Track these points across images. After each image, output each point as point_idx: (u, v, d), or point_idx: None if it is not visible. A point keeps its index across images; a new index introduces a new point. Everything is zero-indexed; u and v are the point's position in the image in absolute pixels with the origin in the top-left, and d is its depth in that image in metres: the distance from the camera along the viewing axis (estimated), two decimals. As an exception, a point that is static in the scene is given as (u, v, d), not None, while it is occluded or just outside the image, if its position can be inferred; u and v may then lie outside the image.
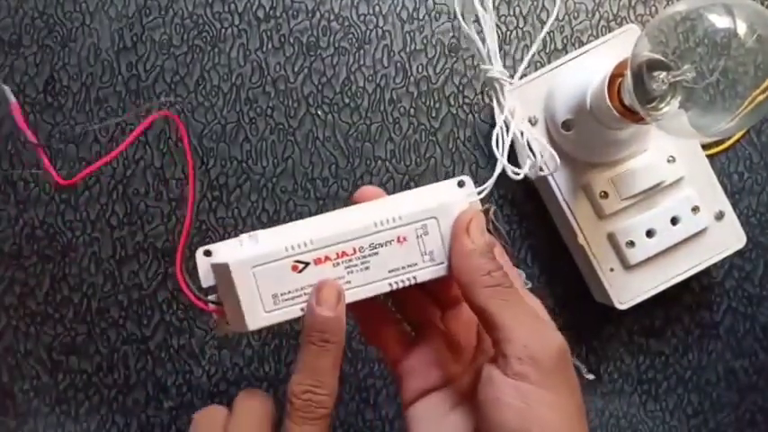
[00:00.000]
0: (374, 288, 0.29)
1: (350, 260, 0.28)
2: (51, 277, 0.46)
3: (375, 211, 0.30)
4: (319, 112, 0.47)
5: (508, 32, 0.48)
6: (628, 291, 0.45)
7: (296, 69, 0.47)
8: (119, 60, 0.46)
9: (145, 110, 0.46)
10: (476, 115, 0.48)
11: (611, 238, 0.45)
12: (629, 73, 0.36)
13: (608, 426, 0.49)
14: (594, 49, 0.44)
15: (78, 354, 0.46)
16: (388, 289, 0.29)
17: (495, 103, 0.31)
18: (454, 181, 0.31)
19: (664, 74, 0.36)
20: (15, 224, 0.46)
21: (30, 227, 0.46)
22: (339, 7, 0.47)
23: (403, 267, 0.29)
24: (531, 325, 0.29)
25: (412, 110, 0.48)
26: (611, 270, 0.45)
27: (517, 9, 0.48)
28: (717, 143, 0.49)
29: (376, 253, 0.29)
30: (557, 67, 0.44)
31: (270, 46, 0.47)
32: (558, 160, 0.32)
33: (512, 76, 0.33)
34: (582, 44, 0.48)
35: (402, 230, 0.29)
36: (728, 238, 0.45)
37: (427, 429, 0.33)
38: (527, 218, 0.48)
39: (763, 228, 0.50)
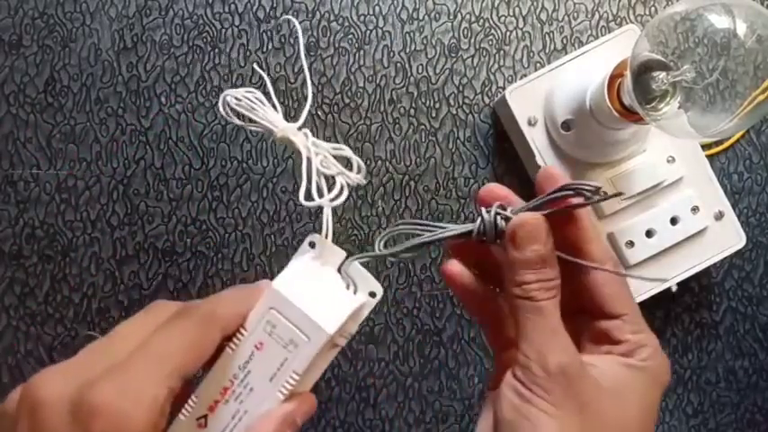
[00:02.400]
0: (269, 402, 0.29)
1: (234, 391, 0.29)
2: (51, 277, 0.46)
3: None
4: (319, 113, 0.47)
5: (508, 32, 0.48)
6: (628, 291, 0.45)
7: (296, 69, 0.47)
8: (119, 61, 0.47)
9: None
10: (476, 115, 0.48)
11: (611, 238, 0.45)
12: (628, 73, 0.36)
13: (608, 426, 0.49)
14: (594, 49, 0.44)
15: (78, 354, 0.46)
16: (282, 397, 0.29)
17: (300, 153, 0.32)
18: (306, 244, 0.32)
19: (663, 74, 0.36)
20: (15, 224, 0.46)
21: (30, 227, 0.46)
22: (339, 7, 0.47)
23: (278, 369, 0.29)
24: (537, 338, 0.29)
25: (412, 110, 0.48)
26: (611, 270, 0.45)
27: (517, 9, 0.48)
28: (717, 143, 0.49)
29: (249, 371, 0.29)
30: (557, 68, 0.44)
31: (270, 46, 0.47)
32: (362, 168, 0.32)
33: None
34: (582, 44, 0.48)
35: (253, 338, 0.29)
36: (728, 238, 0.45)
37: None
38: (527, 218, 0.48)
39: (763, 228, 0.50)
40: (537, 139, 0.44)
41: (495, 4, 0.48)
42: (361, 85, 0.48)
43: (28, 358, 0.46)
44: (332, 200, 0.31)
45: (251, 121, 0.32)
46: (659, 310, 0.49)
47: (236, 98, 0.32)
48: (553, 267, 0.30)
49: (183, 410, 0.29)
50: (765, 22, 0.34)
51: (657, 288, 0.45)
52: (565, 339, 0.30)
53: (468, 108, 0.48)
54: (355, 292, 0.31)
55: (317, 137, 0.47)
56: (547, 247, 0.30)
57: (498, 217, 0.30)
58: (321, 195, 0.31)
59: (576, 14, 0.49)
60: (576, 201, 0.30)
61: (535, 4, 0.48)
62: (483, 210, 0.31)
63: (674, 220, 0.45)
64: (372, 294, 0.32)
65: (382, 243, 0.32)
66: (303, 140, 0.32)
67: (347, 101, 0.47)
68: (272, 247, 0.47)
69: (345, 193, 0.31)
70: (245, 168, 0.47)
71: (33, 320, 0.46)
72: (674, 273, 0.45)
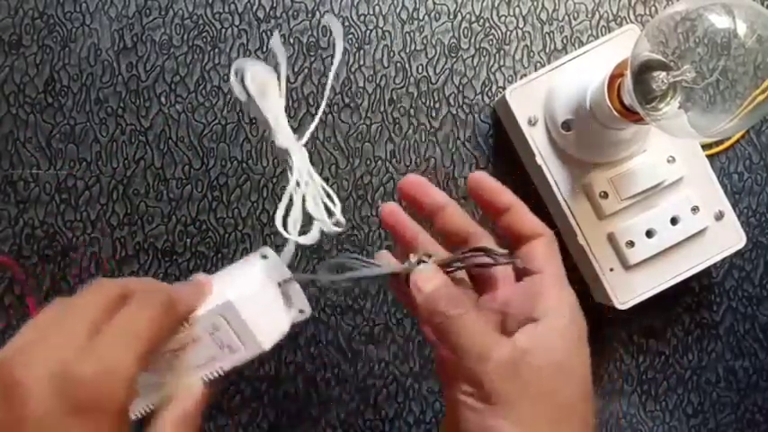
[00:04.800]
0: (189, 384, 0.32)
1: (158, 366, 0.31)
2: (51, 277, 0.46)
3: None
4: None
5: (508, 32, 0.48)
6: (628, 291, 0.45)
7: (296, 69, 0.47)
8: (119, 60, 0.46)
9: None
10: (476, 115, 0.48)
11: (611, 238, 0.45)
12: (629, 73, 0.36)
13: (608, 426, 0.49)
14: (594, 49, 0.44)
15: (78, 354, 0.46)
16: (200, 383, 0.32)
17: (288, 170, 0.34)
18: (257, 255, 0.34)
19: (664, 74, 0.36)
20: (15, 224, 0.46)
21: (30, 227, 0.46)
22: (339, 7, 0.47)
23: (207, 362, 0.32)
24: (473, 345, 0.31)
25: (412, 110, 0.48)
26: (611, 270, 0.45)
27: (517, 9, 0.48)
28: (717, 143, 0.49)
29: (177, 356, 0.31)
30: (557, 67, 0.44)
31: (270, 46, 0.47)
32: (342, 223, 0.34)
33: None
34: (582, 44, 0.48)
35: (193, 332, 0.31)
36: (728, 238, 0.45)
37: None
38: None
39: (763, 228, 0.50)
40: (537, 139, 0.44)
41: (496, 4, 0.48)
42: (361, 85, 0.48)
43: (28, 358, 0.46)
44: (303, 240, 0.33)
45: (257, 106, 0.33)
46: (659, 310, 0.49)
47: (256, 70, 0.32)
48: (458, 291, 0.33)
49: None
50: (765, 22, 0.34)
51: (657, 288, 0.45)
52: (500, 336, 0.31)
53: (468, 108, 0.48)
54: (290, 308, 0.34)
55: (317, 137, 0.47)
56: (445, 281, 0.33)
57: (421, 264, 0.34)
58: (294, 227, 0.33)
59: (576, 14, 0.49)
60: (484, 260, 0.34)
61: (535, 3, 0.48)
62: (410, 256, 0.34)
63: (674, 220, 0.45)
64: (301, 311, 0.35)
65: (324, 269, 0.34)
66: (301, 162, 0.33)
67: (347, 101, 0.47)
68: (272, 247, 0.47)
69: (317, 238, 0.33)
70: (245, 168, 0.47)
71: (33, 320, 0.46)
72: (674, 273, 0.45)
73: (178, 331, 0.31)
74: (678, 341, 0.50)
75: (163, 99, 0.47)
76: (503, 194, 0.35)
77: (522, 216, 0.34)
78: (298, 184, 0.33)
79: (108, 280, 0.30)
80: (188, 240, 0.47)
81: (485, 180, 0.35)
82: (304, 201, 0.33)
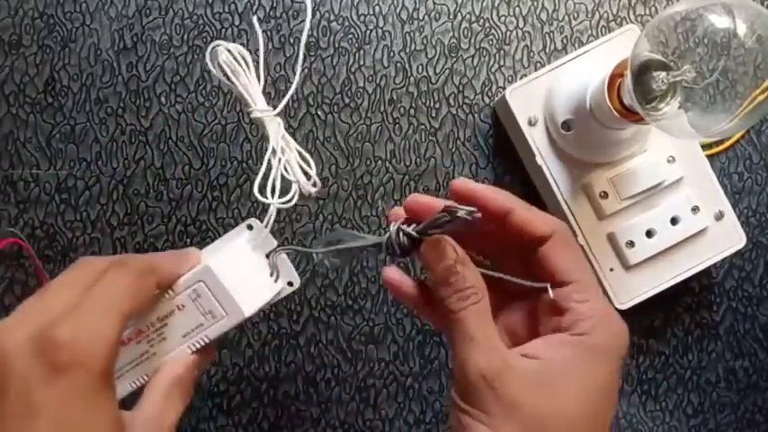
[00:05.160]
0: (177, 353, 0.32)
1: (147, 336, 0.32)
2: (51, 277, 0.46)
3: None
4: (319, 112, 0.47)
5: (508, 32, 0.48)
6: (628, 291, 0.45)
7: (296, 69, 0.47)
8: (119, 60, 0.46)
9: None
10: (476, 115, 0.48)
11: (611, 238, 0.45)
12: (629, 73, 0.36)
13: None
14: (594, 49, 0.44)
15: (78, 354, 0.46)
16: (189, 351, 0.32)
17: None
18: (243, 226, 0.35)
19: (664, 74, 0.36)
20: (15, 224, 0.46)
21: (30, 227, 0.46)
22: (339, 7, 0.47)
23: (193, 330, 0.32)
24: (458, 349, 0.31)
25: (412, 110, 0.48)
26: (611, 270, 0.45)
27: (517, 9, 0.48)
28: (717, 143, 0.49)
29: (165, 324, 0.32)
30: (557, 67, 0.44)
31: (270, 46, 0.47)
32: (318, 184, 0.35)
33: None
34: (582, 44, 0.48)
35: (177, 300, 0.32)
36: (728, 238, 0.45)
37: None
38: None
39: (763, 228, 0.50)
40: (537, 139, 0.44)
41: (496, 4, 0.48)
42: (361, 85, 0.48)
43: (28, 358, 0.46)
44: (282, 203, 0.34)
45: (232, 83, 0.34)
46: (659, 310, 0.49)
47: (228, 51, 0.33)
48: (467, 275, 0.31)
49: None
50: (765, 21, 0.34)
51: (657, 288, 0.45)
52: (486, 343, 0.30)
53: (468, 108, 0.48)
54: (276, 280, 0.34)
55: (317, 137, 0.47)
56: (456, 258, 0.31)
57: (401, 233, 0.32)
58: (273, 191, 0.34)
59: (576, 14, 0.49)
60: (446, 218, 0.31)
61: (535, 3, 0.48)
62: (391, 224, 0.33)
63: (674, 220, 0.45)
64: (290, 284, 0.35)
65: (320, 245, 0.34)
66: (276, 131, 0.34)
67: (347, 101, 0.47)
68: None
69: (296, 200, 0.34)
70: (245, 168, 0.47)
71: (33, 320, 0.46)
72: (674, 273, 0.45)
73: (162, 299, 0.31)
74: (678, 341, 0.50)
75: (163, 99, 0.47)
76: (497, 197, 0.32)
77: (527, 216, 0.32)
78: (274, 151, 0.34)
79: (92, 257, 0.31)
80: (188, 240, 0.47)
81: (471, 185, 0.33)
82: (280, 164, 0.34)
